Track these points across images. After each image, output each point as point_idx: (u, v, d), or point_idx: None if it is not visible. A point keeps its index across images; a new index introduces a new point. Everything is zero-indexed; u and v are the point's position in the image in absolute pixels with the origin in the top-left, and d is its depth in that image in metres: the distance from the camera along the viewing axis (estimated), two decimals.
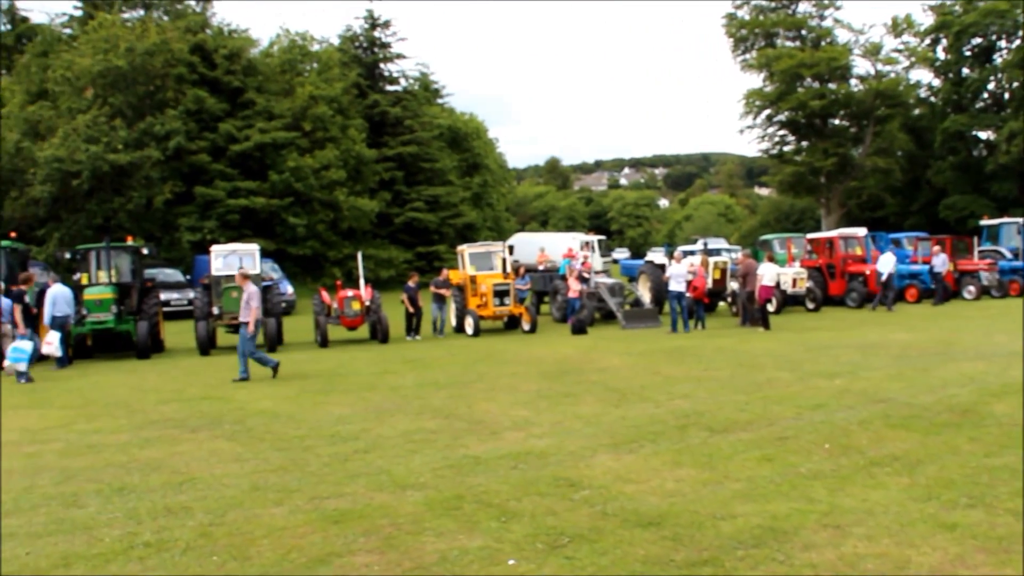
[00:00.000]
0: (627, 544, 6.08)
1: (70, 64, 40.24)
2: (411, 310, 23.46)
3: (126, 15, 46.34)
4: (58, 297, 19.22)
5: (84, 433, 10.70)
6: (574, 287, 24.03)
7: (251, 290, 15.70)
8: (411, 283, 24.01)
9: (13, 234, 24.61)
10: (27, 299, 18.91)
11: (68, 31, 47.71)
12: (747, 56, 58.62)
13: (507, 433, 9.79)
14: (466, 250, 25.54)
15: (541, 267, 30.80)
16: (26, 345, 16.82)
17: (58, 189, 37.56)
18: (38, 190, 37.49)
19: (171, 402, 13.02)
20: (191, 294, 29.10)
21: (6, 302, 18.60)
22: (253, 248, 23.33)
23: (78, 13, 48.64)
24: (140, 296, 21.97)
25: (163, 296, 26.17)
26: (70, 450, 9.70)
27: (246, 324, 15.52)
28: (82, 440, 10.24)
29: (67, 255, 23.09)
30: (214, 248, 23.26)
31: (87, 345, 21.52)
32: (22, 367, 16.47)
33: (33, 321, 19.36)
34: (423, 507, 7.01)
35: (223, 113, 43.85)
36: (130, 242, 23.40)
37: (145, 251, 23.20)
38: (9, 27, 50.43)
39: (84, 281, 22.11)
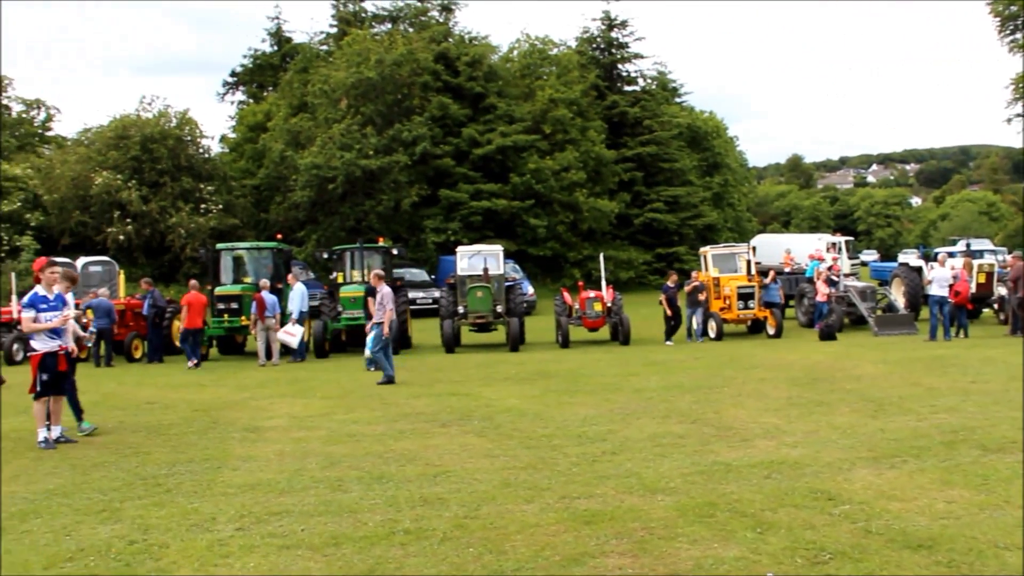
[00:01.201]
0: (895, 566, 5.63)
1: (327, 78, 43.18)
2: (669, 312, 22.57)
3: (375, 29, 49.06)
4: (304, 294, 20.70)
5: (344, 423, 11.32)
6: (822, 290, 22.93)
7: (385, 291, 15.91)
8: (669, 283, 23.14)
9: (279, 236, 26.58)
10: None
11: (325, 48, 51.15)
12: (1017, 36, 53.70)
13: (758, 441, 9.41)
14: (709, 252, 25.00)
15: (787, 269, 29.67)
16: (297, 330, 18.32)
17: (316, 194, 40.31)
18: (299, 195, 40.41)
19: (421, 397, 13.54)
20: (436, 293, 30.29)
21: (271, 297, 20.09)
22: (497, 249, 23.91)
23: (333, 31, 52.04)
24: None
25: (410, 295, 27.35)
26: (332, 438, 10.27)
27: (380, 325, 15.70)
28: (342, 429, 10.83)
29: (325, 255, 24.66)
30: (460, 248, 24.04)
31: (341, 340, 22.85)
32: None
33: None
34: (675, 512, 6.83)
35: (466, 118, 45.40)
36: (381, 243, 24.63)
37: (395, 251, 24.30)
38: (275, 48, 54.67)
39: (340, 280, 23.50)
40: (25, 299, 10.35)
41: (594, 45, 54.61)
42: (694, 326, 22.79)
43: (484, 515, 6.89)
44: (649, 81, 55.93)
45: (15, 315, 22.50)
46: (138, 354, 22.07)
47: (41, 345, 10.26)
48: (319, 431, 10.74)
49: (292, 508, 7.20)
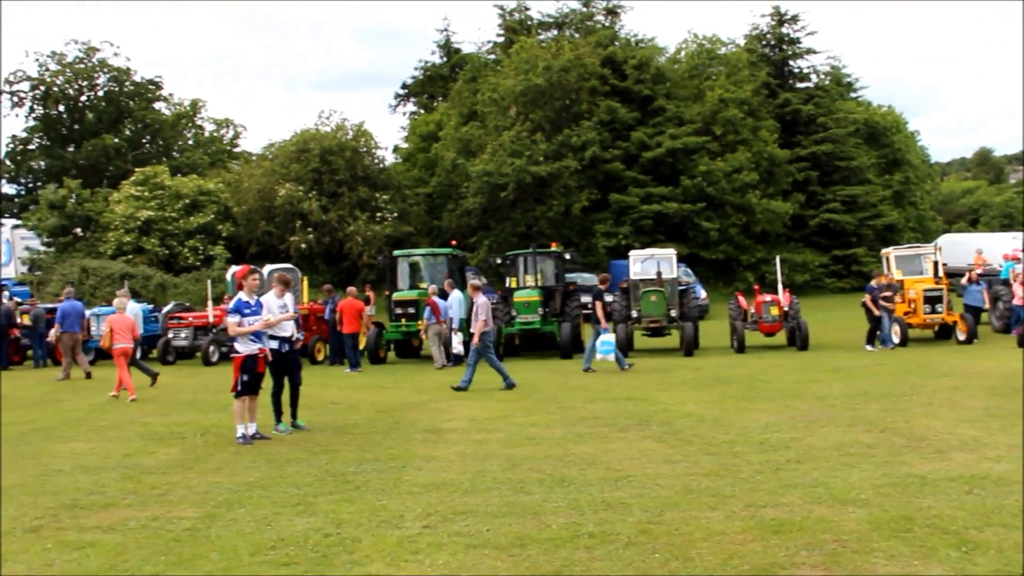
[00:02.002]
0: None
1: (496, 86, 43.95)
2: (876, 313, 20.87)
3: (542, 36, 49.49)
4: (461, 301, 20.91)
5: (522, 425, 11.47)
6: (1019, 293, 21.46)
7: (480, 301, 15.81)
8: (874, 283, 21.60)
9: (454, 242, 27.24)
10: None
11: (492, 57, 52.05)
12: None
13: (955, 453, 8.90)
14: (891, 253, 23.88)
15: (979, 271, 27.95)
16: (611, 337, 18.24)
17: (487, 200, 41.06)
18: (470, 202, 41.28)
19: (598, 401, 13.56)
20: (607, 298, 30.21)
21: (444, 302, 20.55)
22: (670, 252, 23.68)
23: (500, 40, 52.89)
24: (563, 299, 23.17)
25: (582, 299, 27.40)
26: (512, 440, 10.42)
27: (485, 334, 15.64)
28: (521, 432, 10.97)
29: (498, 260, 25.06)
30: (633, 253, 23.94)
31: (515, 344, 23.16)
32: (611, 358, 17.84)
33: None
34: (868, 525, 6.55)
35: (635, 121, 45.15)
36: (554, 248, 24.81)
37: (567, 256, 24.41)
38: (444, 59, 56.11)
39: (513, 284, 23.83)
40: (230, 305, 11.07)
41: (764, 42, 53.11)
42: (888, 331, 21.25)
43: (668, 521, 6.82)
44: (822, 77, 53.89)
45: (211, 319, 24.04)
46: (320, 356, 23.08)
47: (244, 348, 10.92)
48: (498, 433, 10.92)
49: (476, 508, 7.34)
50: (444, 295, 20.99)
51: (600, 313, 18.46)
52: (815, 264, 45.92)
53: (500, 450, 9.81)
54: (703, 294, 34.46)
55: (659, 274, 22.48)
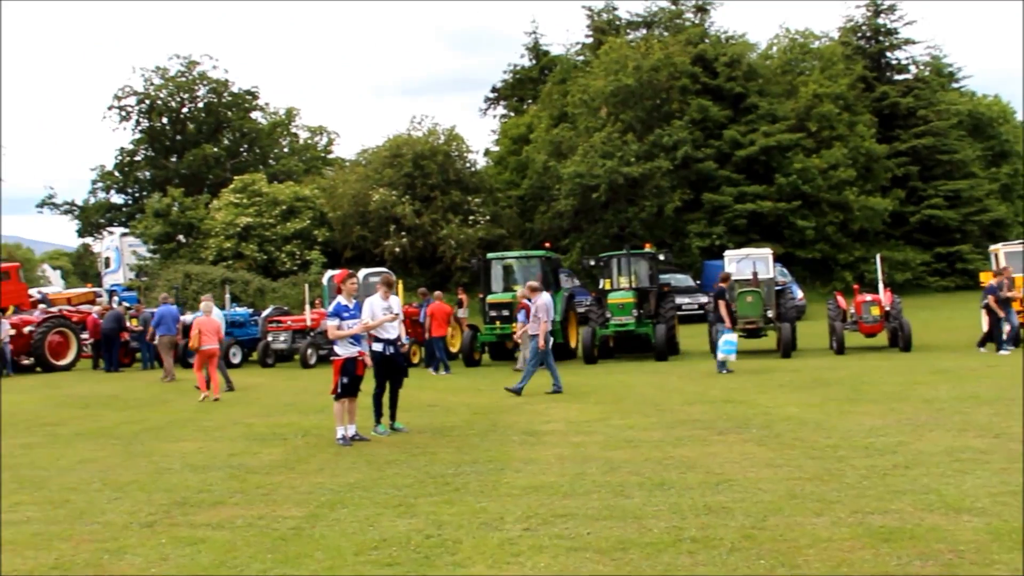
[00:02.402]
0: None
1: (586, 87, 43.89)
2: (1002, 314, 19.57)
3: (630, 36, 49.17)
4: (550, 304, 20.74)
5: (620, 428, 11.40)
6: None
7: (540, 302, 15.53)
8: (994, 282, 20.19)
9: (547, 244, 27.27)
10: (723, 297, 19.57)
11: (581, 58, 51.94)
12: None
13: None
14: (1001, 250, 23.00)
15: None
16: (733, 337, 18.00)
17: (579, 202, 41.01)
18: (562, 204, 41.29)
19: (696, 403, 13.39)
20: (702, 299, 29.89)
21: (545, 296, 20.48)
22: (766, 252, 23.30)
23: (589, 41, 52.76)
24: (658, 300, 22.97)
25: (676, 300, 27.14)
26: (610, 443, 10.35)
27: (536, 336, 15.38)
28: (619, 434, 10.90)
29: (591, 262, 24.98)
30: (728, 253, 23.64)
31: (609, 346, 23.06)
32: (732, 358, 17.71)
33: None
34: (986, 535, 6.28)
35: (727, 119, 44.57)
36: (647, 249, 24.62)
37: (661, 257, 24.18)
38: (533, 61, 56.24)
39: (607, 286, 23.71)
40: (329, 309, 11.31)
41: (859, 34, 51.69)
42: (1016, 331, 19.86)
43: (772, 526, 6.67)
44: (922, 68, 52.21)
45: (308, 322, 24.57)
46: (416, 359, 23.34)
47: (343, 351, 11.11)
48: (596, 436, 10.87)
49: (576, 511, 7.31)
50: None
51: (724, 312, 18.20)
52: (917, 262, 44.51)
53: (598, 453, 9.76)
54: (800, 294, 33.78)
55: (755, 274, 22.13)
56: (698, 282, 36.56)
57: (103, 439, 12.24)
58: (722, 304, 18.32)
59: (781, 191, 41.88)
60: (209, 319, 17.33)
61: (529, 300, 16.09)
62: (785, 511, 7.08)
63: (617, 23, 52.38)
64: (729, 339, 17.71)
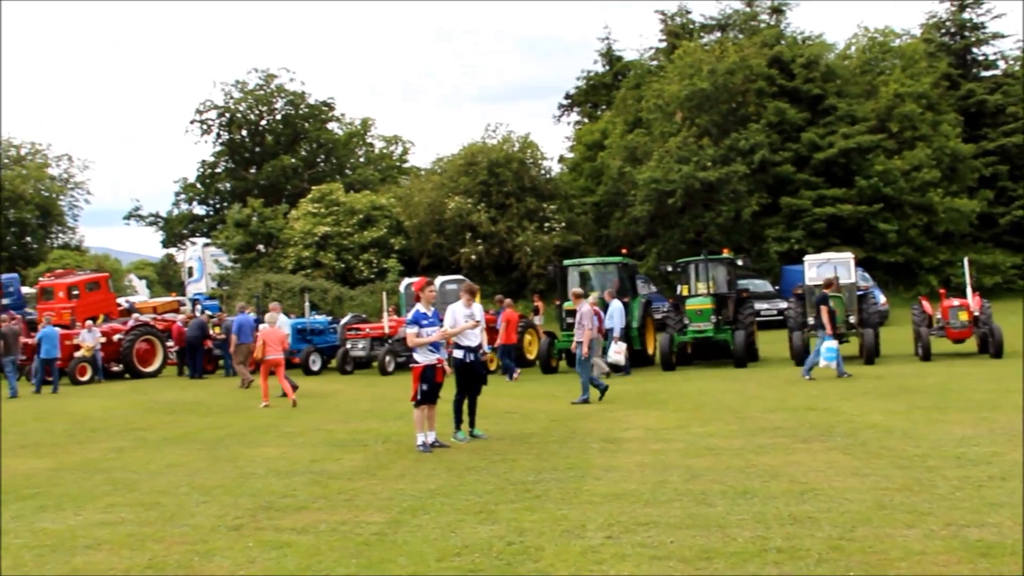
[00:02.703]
0: None
1: (660, 92, 43.60)
2: None
3: (704, 40, 48.68)
4: (621, 311, 20.58)
5: (700, 435, 11.27)
6: None
7: (584, 310, 15.33)
8: None
9: (624, 250, 27.16)
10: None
11: (655, 63, 51.60)
12: None
13: None
14: None
15: None
16: (834, 344, 17.75)
17: (655, 208, 40.72)
18: (638, 209, 41.05)
19: (777, 411, 13.18)
20: (781, 304, 29.39)
21: (616, 304, 20.42)
22: (847, 257, 22.83)
23: (662, 45, 52.40)
24: (736, 306, 22.67)
25: (755, 306, 26.74)
26: (690, 450, 10.24)
27: (581, 344, 15.17)
28: (700, 442, 10.78)
29: (668, 268, 24.77)
30: (808, 257, 23.23)
31: (687, 352, 22.83)
32: (834, 365, 17.52)
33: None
34: None
35: (804, 122, 43.73)
36: (725, 254, 24.33)
37: (739, 262, 23.88)
38: (607, 67, 56.07)
39: (684, 292, 23.49)
40: (408, 316, 11.42)
41: (943, 30, 50.26)
42: None
43: (860, 538, 6.51)
44: (1011, 63, 50.54)
45: (386, 330, 24.84)
46: (493, 366, 23.37)
47: (423, 358, 11.19)
48: (676, 443, 10.76)
49: (659, 519, 7.24)
50: (605, 305, 20.90)
51: (825, 318, 17.86)
52: (1007, 265, 43.00)
53: (679, 460, 9.66)
54: (882, 299, 32.94)
55: (836, 279, 21.66)
56: (777, 287, 35.97)
57: (189, 444, 12.56)
58: (824, 310, 17.81)
59: (862, 194, 40.90)
60: (274, 329, 17.69)
61: (597, 309, 16.00)
62: (874, 522, 6.91)
63: (691, 27, 51.96)
64: (831, 346, 17.36)
